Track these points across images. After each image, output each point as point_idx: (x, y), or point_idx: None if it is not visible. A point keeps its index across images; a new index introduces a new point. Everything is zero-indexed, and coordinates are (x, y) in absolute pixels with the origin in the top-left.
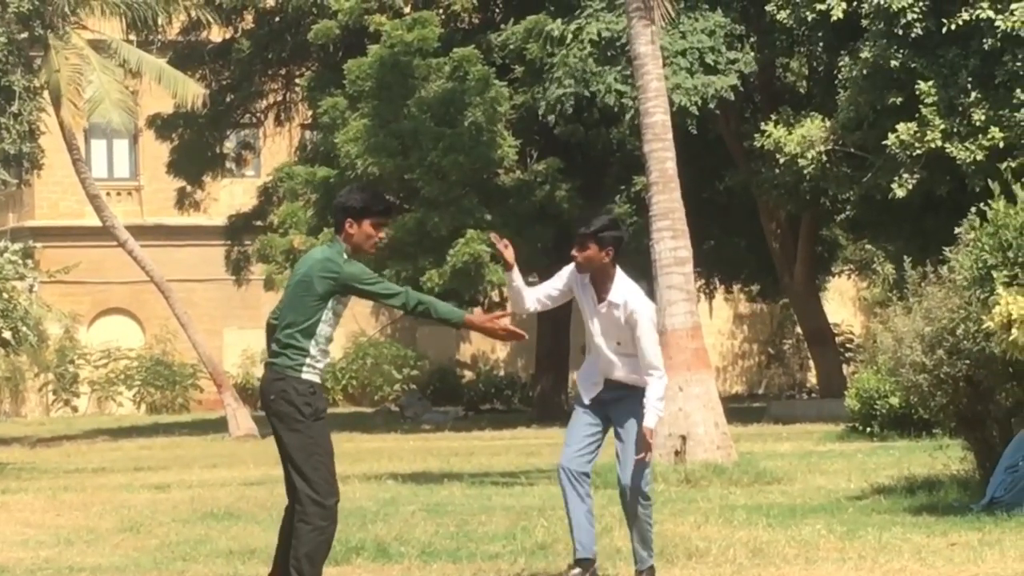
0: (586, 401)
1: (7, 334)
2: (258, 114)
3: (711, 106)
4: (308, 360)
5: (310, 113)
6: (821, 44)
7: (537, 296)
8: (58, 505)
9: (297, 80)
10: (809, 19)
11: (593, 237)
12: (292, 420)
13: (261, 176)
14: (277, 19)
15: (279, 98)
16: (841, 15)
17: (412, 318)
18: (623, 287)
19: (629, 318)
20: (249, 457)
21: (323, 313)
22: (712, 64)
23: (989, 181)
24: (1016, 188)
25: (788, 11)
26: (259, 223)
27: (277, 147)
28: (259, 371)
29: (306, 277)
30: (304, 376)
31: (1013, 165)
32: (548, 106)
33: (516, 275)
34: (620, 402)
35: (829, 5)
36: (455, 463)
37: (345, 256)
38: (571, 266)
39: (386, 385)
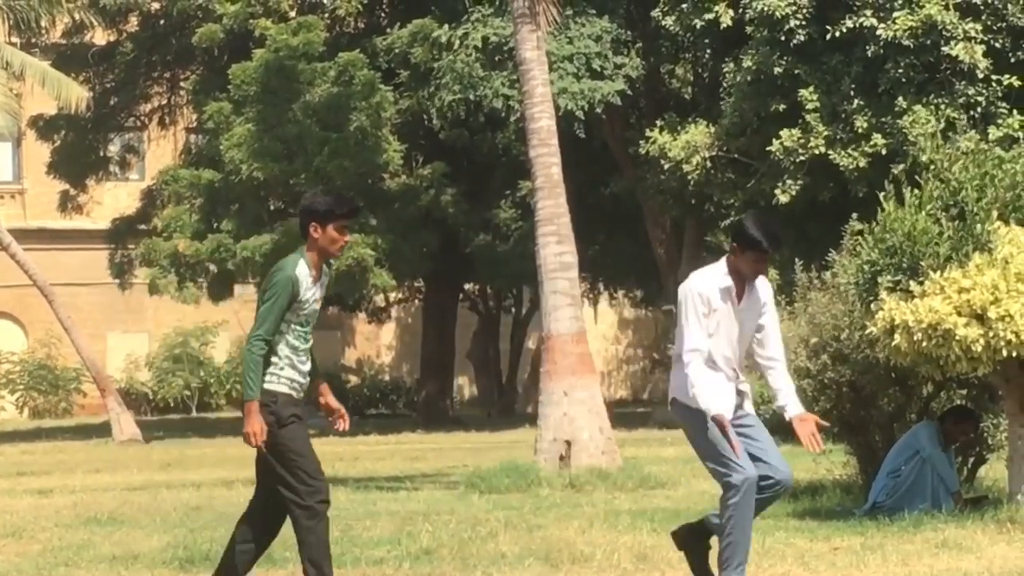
0: (730, 416)
1: None
2: (142, 117)
3: (598, 111)
4: (273, 367)
5: (195, 117)
6: (707, 51)
7: (709, 369)
8: None
9: (182, 84)
10: (696, 26)
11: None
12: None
13: (145, 180)
14: (162, 22)
15: (164, 101)
16: (730, 22)
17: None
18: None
19: (764, 301)
20: (132, 462)
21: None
22: (599, 69)
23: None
24: (907, 192)
25: (674, 18)
26: (143, 227)
27: (161, 151)
28: (143, 375)
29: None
30: (267, 387)
31: (896, 171)
32: (438, 111)
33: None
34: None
35: (717, 13)
36: (340, 468)
37: (302, 262)
38: (701, 288)
39: None
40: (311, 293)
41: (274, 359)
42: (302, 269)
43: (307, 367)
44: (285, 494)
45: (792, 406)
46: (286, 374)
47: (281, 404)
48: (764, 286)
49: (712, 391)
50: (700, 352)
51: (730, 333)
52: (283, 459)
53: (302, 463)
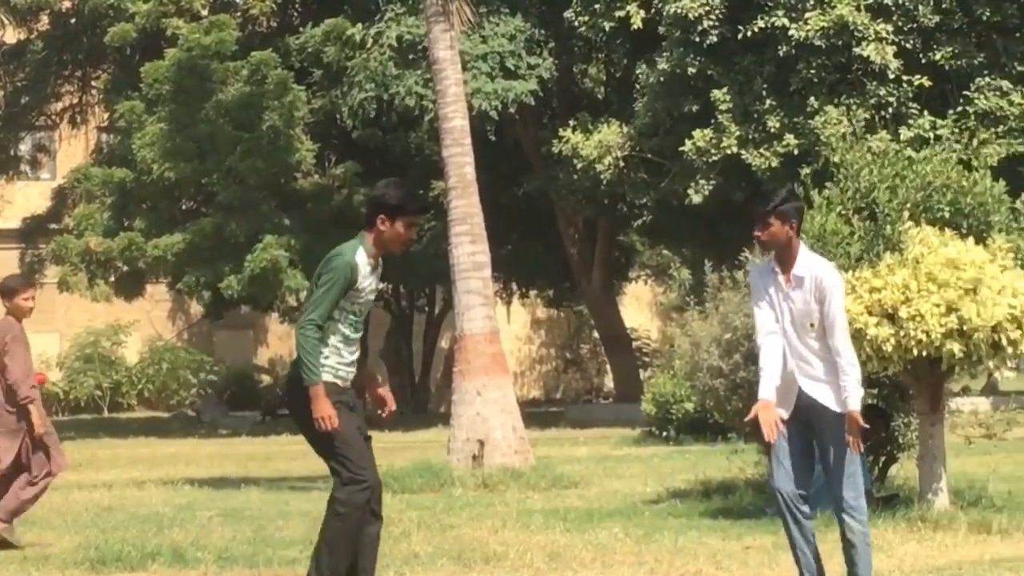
0: (785, 415)
1: None
2: (53, 116)
3: (511, 110)
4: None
5: (106, 116)
6: (620, 51)
7: (779, 349)
8: None
9: (93, 83)
10: (608, 28)
11: (774, 213)
12: (307, 415)
13: (56, 179)
14: (73, 21)
15: (75, 100)
16: (640, 24)
17: (210, 321)
18: (808, 260)
19: (819, 289)
20: None
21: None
22: (512, 69)
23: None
24: (815, 194)
25: (587, 18)
26: (54, 226)
27: (73, 150)
28: (54, 375)
29: (318, 272)
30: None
31: (807, 171)
32: (350, 110)
33: (772, 394)
34: (822, 417)
35: (628, 13)
36: (252, 468)
37: (361, 250)
38: (753, 275)
39: (183, 390)
40: (368, 283)
41: (321, 347)
42: (361, 256)
43: (355, 356)
44: (333, 475)
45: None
46: (330, 363)
47: (327, 391)
48: None
49: None
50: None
51: None
52: (328, 447)
53: (350, 450)
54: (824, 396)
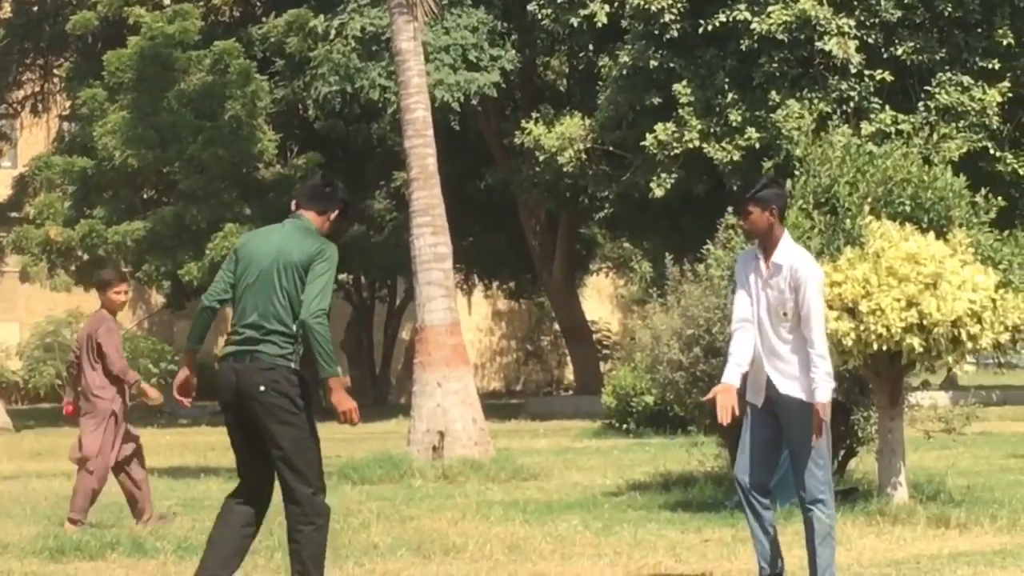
0: (757, 403)
1: None
2: (15, 104)
3: (473, 102)
4: (296, 348)
5: (68, 104)
6: (583, 44)
7: (750, 338)
8: None
9: (55, 71)
10: (573, 23)
11: (753, 200)
12: (286, 412)
13: (17, 167)
14: (35, 8)
15: (37, 88)
16: (605, 20)
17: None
18: (788, 249)
19: (794, 278)
20: (2, 451)
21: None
22: (475, 61)
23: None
24: None
25: (550, 12)
26: (15, 214)
27: (34, 138)
28: (13, 364)
29: (296, 260)
30: (294, 366)
31: (769, 165)
32: (315, 103)
33: (736, 379)
34: (789, 409)
35: (592, 11)
36: (212, 458)
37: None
38: (738, 261)
39: (144, 379)
40: None
41: (299, 336)
42: None
43: None
44: (297, 485)
45: None
46: (301, 352)
47: (308, 386)
48: None
49: None
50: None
51: None
52: (303, 444)
53: (318, 453)
54: (793, 389)
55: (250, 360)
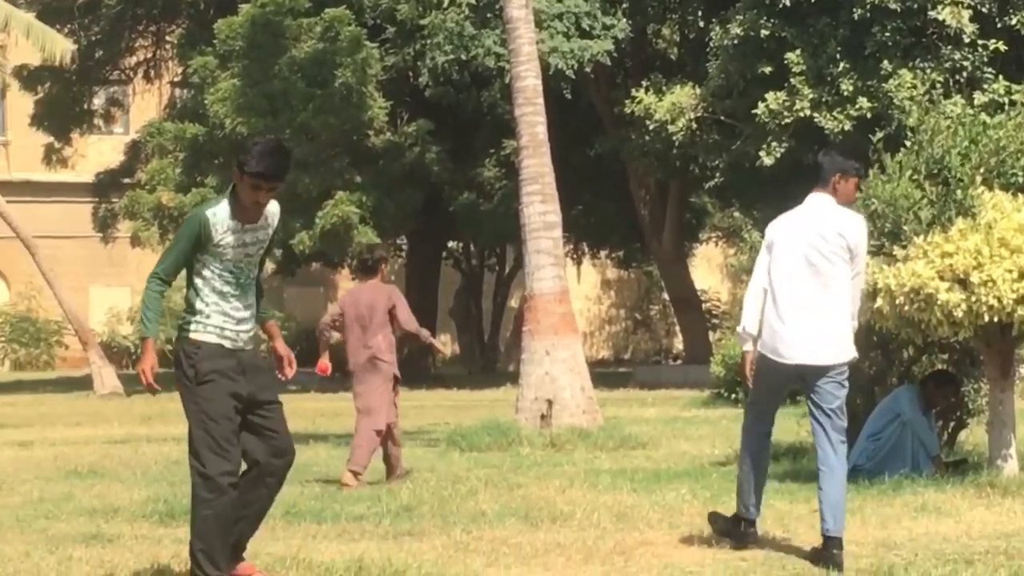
0: (784, 358)
1: None
2: (127, 70)
3: (587, 70)
4: (198, 317)
5: (180, 71)
6: (694, 13)
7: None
8: None
9: (167, 37)
10: None
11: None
12: (180, 385)
13: (130, 133)
14: None
15: (149, 55)
16: None
17: (280, 278)
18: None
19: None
20: (114, 415)
21: (195, 266)
22: (588, 28)
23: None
24: (887, 159)
25: None
26: (127, 180)
27: (146, 104)
28: (125, 329)
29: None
30: (191, 335)
31: (880, 135)
32: (430, 72)
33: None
34: (818, 375)
35: None
36: (321, 424)
37: (223, 205)
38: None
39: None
40: (232, 238)
41: (199, 305)
42: (221, 211)
43: (246, 314)
44: (190, 459)
45: None
46: (213, 321)
47: (203, 356)
48: None
49: None
50: None
51: None
52: (193, 418)
53: (212, 428)
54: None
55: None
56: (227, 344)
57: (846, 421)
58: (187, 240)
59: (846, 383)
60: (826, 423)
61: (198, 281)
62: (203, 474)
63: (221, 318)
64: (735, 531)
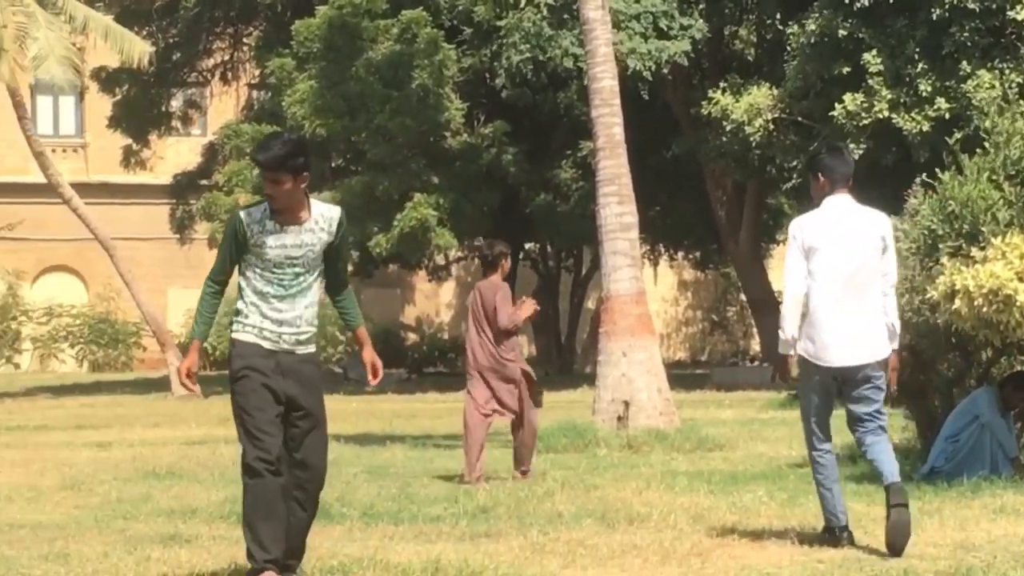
0: (829, 361)
1: None
2: (205, 72)
3: (664, 71)
4: (240, 316)
5: (257, 73)
6: (771, 13)
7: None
8: None
9: (245, 39)
10: None
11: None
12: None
13: (207, 135)
14: None
15: (226, 57)
16: None
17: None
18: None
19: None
20: (191, 417)
21: (241, 266)
22: (665, 29)
23: (946, 151)
24: (964, 160)
25: None
26: (204, 182)
27: (224, 106)
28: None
29: None
30: (232, 335)
31: (958, 136)
32: (506, 72)
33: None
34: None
35: None
36: (398, 425)
37: (262, 207)
38: (795, 228)
39: (329, 347)
40: (270, 240)
41: (239, 304)
42: (255, 213)
43: (287, 316)
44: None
45: None
46: (252, 321)
47: (238, 353)
48: None
49: None
50: None
51: None
52: (233, 412)
53: (247, 420)
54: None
55: None
56: (266, 344)
57: (886, 419)
58: (228, 241)
59: (883, 386)
60: (869, 425)
61: (241, 281)
62: (243, 462)
63: (259, 318)
64: (832, 541)
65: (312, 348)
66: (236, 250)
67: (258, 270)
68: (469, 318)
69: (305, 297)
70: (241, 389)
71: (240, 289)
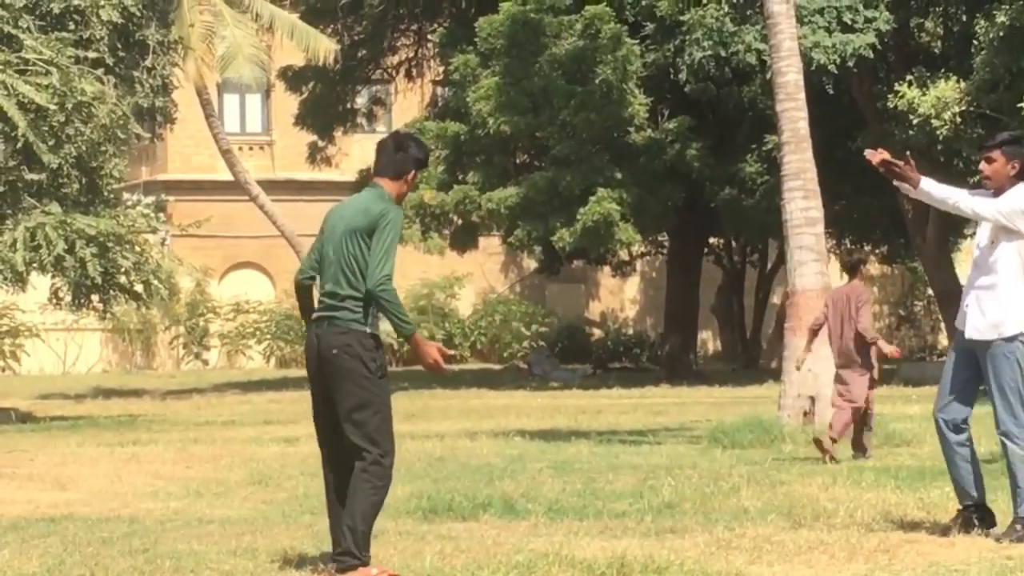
0: (965, 332)
1: (139, 287)
2: (389, 70)
3: (849, 64)
4: (371, 312)
5: (441, 69)
6: (958, 5)
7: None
8: (188, 457)
9: (429, 36)
10: None
11: (999, 148)
12: (357, 375)
13: (391, 131)
14: None
15: (410, 54)
16: None
17: (544, 276)
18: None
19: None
20: None
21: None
22: (849, 23)
23: None
24: None
25: None
26: None
27: (408, 102)
28: (387, 326)
29: (361, 226)
30: (369, 331)
31: None
32: (689, 68)
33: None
34: (985, 352)
35: None
36: (583, 421)
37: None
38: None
39: (515, 342)
40: None
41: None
42: None
43: None
44: (365, 446)
45: None
46: (379, 319)
47: (382, 351)
48: None
49: None
50: None
51: None
52: (382, 411)
53: (390, 419)
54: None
55: (327, 325)
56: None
57: (1019, 403)
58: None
59: (1017, 363)
60: (996, 402)
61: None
62: (380, 462)
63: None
64: (969, 521)
65: None
66: None
67: None
68: (832, 314)
69: None
70: (386, 387)
71: (362, 289)
